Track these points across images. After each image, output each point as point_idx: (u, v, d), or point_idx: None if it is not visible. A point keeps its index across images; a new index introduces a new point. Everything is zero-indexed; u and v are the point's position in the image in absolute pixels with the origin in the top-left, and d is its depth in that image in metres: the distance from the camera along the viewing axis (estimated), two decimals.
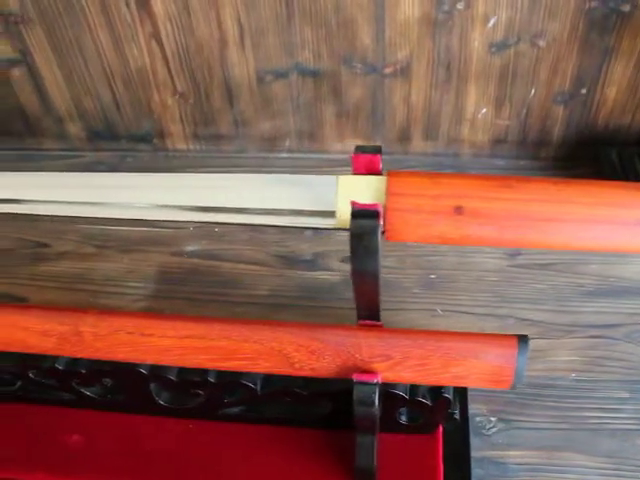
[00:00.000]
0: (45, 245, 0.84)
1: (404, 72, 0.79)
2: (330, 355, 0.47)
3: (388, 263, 0.77)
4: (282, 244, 0.80)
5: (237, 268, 0.78)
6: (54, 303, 0.77)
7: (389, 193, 0.41)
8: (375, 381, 0.47)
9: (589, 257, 0.76)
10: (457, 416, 0.55)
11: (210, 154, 0.91)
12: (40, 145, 0.94)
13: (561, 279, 0.75)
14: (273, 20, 0.77)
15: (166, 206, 0.44)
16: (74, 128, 0.92)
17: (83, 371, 0.55)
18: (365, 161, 0.42)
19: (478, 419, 0.63)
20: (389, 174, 0.42)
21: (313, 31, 0.77)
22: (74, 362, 0.55)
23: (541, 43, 0.75)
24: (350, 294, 0.74)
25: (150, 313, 0.51)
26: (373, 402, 0.47)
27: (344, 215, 0.42)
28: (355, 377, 0.47)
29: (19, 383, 0.61)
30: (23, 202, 0.50)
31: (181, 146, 0.91)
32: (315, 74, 0.81)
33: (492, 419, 0.64)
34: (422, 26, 0.75)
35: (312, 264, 0.78)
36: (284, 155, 0.90)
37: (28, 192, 0.51)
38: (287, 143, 0.89)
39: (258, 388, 0.54)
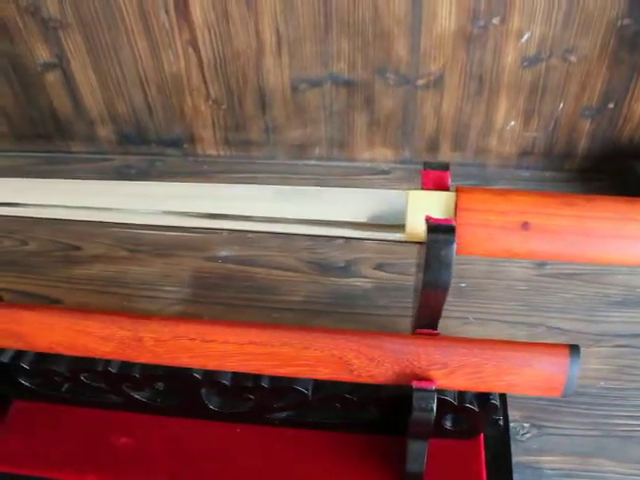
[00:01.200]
0: (77, 248, 0.85)
1: (437, 84, 0.81)
2: (389, 362, 0.49)
3: None
4: (314, 251, 0.82)
5: (271, 274, 0.79)
6: (88, 306, 0.77)
7: (459, 209, 0.43)
8: (433, 388, 0.48)
9: (615, 268, 0.78)
10: (501, 422, 0.56)
11: (239, 160, 0.93)
12: (69, 148, 0.95)
13: (588, 289, 0.77)
14: (311, 30, 0.78)
15: (249, 217, 0.45)
16: (104, 131, 0.92)
17: (136, 375, 0.56)
18: (434, 177, 0.44)
19: (512, 425, 0.65)
20: (459, 190, 0.43)
21: (349, 42, 0.79)
22: (127, 366, 0.56)
23: (572, 58, 0.77)
24: (384, 301, 0.77)
25: (212, 320, 0.52)
26: (431, 408, 0.48)
27: (414, 229, 0.44)
28: (414, 384, 0.48)
29: (67, 385, 0.62)
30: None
31: (211, 151, 0.92)
32: (349, 84, 0.82)
33: (525, 425, 0.66)
34: (457, 39, 0.77)
35: (345, 271, 0.79)
36: (313, 162, 0.91)
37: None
38: (317, 151, 0.90)
39: (309, 393, 0.55)
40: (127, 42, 0.82)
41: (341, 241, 0.82)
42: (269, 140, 0.90)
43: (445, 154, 0.88)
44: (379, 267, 0.79)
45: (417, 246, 0.79)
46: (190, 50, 0.82)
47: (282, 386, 0.55)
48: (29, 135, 0.94)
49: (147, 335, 0.51)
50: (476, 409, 0.54)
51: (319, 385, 0.55)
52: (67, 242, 0.85)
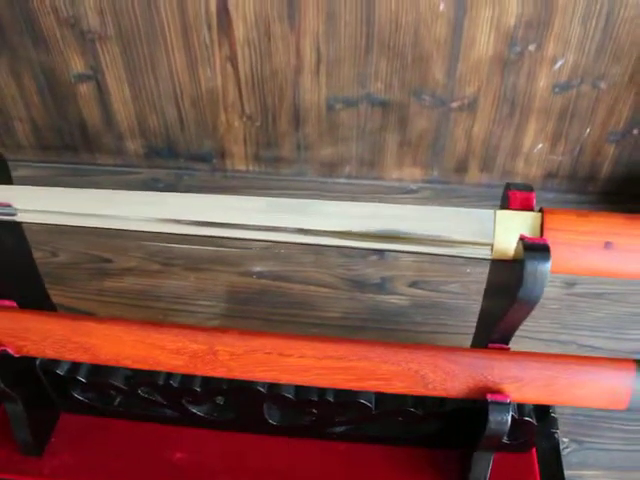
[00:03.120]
0: (108, 260, 0.84)
1: (470, 107, 0.83)
2: (464, 376, 0.50)
3: (452, 289, 0.81)
4: (348, 267, 0.83)
5: (307, 290, 0.80)
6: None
7: (546, 228, 0.44)
8: (508, 401, 0.49)
9: None
10: (557, 435, 0.58)
11: (269, 176, 0.93)
12: (96, 160, 0.95)
13: (617, 308, 0.79)
14: (351, 51, 0.80)
15: (330, 232, 0.46)
16: (133, 145, 0.92)
17: (197, 389, 0.56)
18: (521, 198, 0.45)
19: None
20: (545, 211, 0.45)
21: (388, 64, 0.80)
22: (188, 380, 0.56)
23: (602, 85, 0.80)
24: (420, 318, 0.78)
25: (289, 334, 0.52)
26: (506, 421, 0.49)
27: (502, 247, 0.45)
28: (490, 397, 0.49)
29: (119, 399, 0.62)
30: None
31: (240, 167, 0.93)
32: (384, 104, 0.84)
33: (565, 440, 0.67)
34: (493, 64, 0.79)
35: (380, 288, 0.80)
36: (342, 180, 0.93)
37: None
38: (347, 169, 0.91)
39: (373, 407, 0.55)
40: (165, 56, 0.82)
41: (375, 258, 0.84)
42: (300, 157, 0.91)
43: (473, 175, 0.90)
44: (414, 284, 0.81)
45: (466, 265, 0.81)
46: (229, 66, 0.82)
47: (346, 400, 0.55)
48: (55, 146, 0.93)
49: (222, 348, 0.51)
50: (534, 422, 0.55)
51: (382, 398, 0.55)
52: (98, 254, 0.84)
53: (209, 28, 0.80)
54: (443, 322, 0.77)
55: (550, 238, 0.44)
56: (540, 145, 0.86)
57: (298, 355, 0.50)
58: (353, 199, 0.91)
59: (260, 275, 0.82)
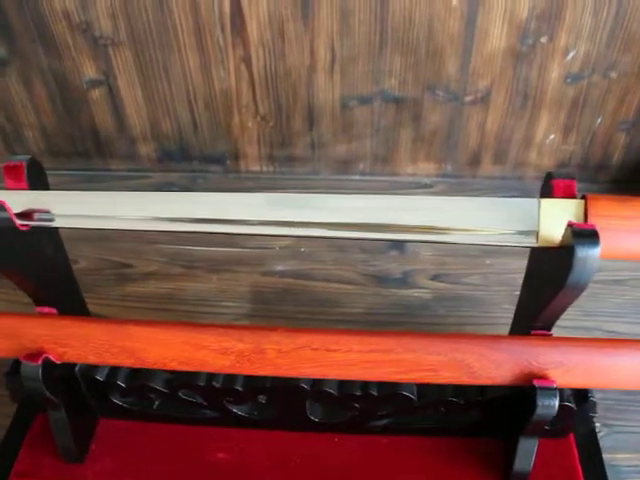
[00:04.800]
0: (129, 265, 0.84)
1: (483, 100, 0.84)
2: (509, 363, 0.50)
3: (473, 281, 0.81)
4: (369, 263, 0.83)
5: (330, 287, 0.80)
6: None
7: (591, 215, 0.45)
8: (555, 386, 0.50)
9: None
10: (595, 419, 0.59)
11: (283, 176, 0.94)
12: (108, 166, 0.94)
13: (636, 293, 0.80)
14: (365, 48, 0.80)
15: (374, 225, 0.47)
16: (146, 149, 0.92)
17: (240, 389, 0.56)
18: (564, 186, 0.46)
19: None
20: (589, 198, 0.46)
21: (402, 59, 0.81)
22: (230, 380, 0.56)
23: (613, 75, 0.81)
24: (443, 311, 0.79)
25: (335, 329, 0.52)
26: (553, 406, 0.50)
27: (548, 234, 0.46)
28: (536, 383, 0.50)
29: (158, 402, 0.61)
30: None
31: (254, 168, 0.93)
32: (398, 100, 0.85)
33: (597, 424, 0.68)
34: (506, 57, 0.80)
35: (402, 282, 0.81)
36: (356, 177, 0.93)
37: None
38: (361, 166, 0.92)
39: (415, 398, 0.56)
40: (178, 59, 0.82)
41: (395, 253, 0.84)
42: (314, 156, 0.91)
43: (486, 168, 0.91)
44: (435, 278, 0.81)
45: (485, 256, 0.81)
46: (242, 67, 0.83)
47: (389, 393, 0.56)
48: (67, 152, 0.93)
49: (269, 347, 0.51)
50: (574, 406, 0.56)
51: (424, 390, 0.56)
52: (118, 260, 0.84)
53: (222, 29, 0.80)
54: (466, 314, 0.78)
55: (595, 224, 0.45)
56: (552, 136, 0.87)
57: (345, 350, 0.51)
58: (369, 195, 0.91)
59: (282, 274, 0.82)
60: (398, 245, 0.85)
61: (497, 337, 0.51)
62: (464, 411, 0.58)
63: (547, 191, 0.48)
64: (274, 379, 0.55)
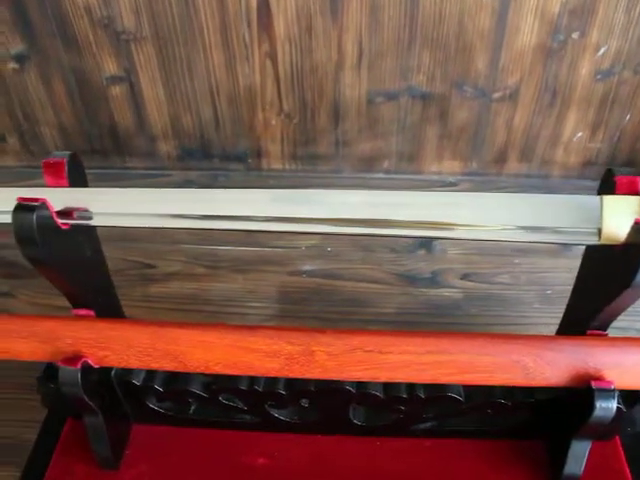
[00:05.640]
0: (151, 266, 0.82)
1: (512, 97, 0.83)
2: (565, 364, 0.49)
3: (503, 280, 0.80)
4: (398, 263, 0.82)
5: (359, 287, 0.79)
6: None
7: None
8: (613, 387, 0.49)
9: None
10: None
11: (306, 174, 0.92)
12: (126, 164, 0.92)
13: None
14: (394, 44, 0.79)
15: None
16: (166, 147, 0.90)
17: (283, 392, 0.55)
18: (627, 182, 0.45)
19: None
20: None
21: (431, 56, 0.80)
22: (273, 383, 0.55)
23: None
24: (475, 310, 0.77)
25: (388, 331, 0.51)
26: (611, 408, 0.49)
27: (612, 232, 0.44)
28: (594, 384, 0.49)
29: (194, 406, 0.60)
30: None
31: (276, 166, 0.91)
32: (425, 97, 0.83)
33: None
34: (536, 54, 0.79)
35: (432, 281, 0.80)
36: (381, 175, 0.92)
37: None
38: (385, 164, 0.90)
39: (463, 400, 0.55)
40: (202, 55, 0.81)
41: (423, 252, 0.83)
42: (338, 154, 0.90)
43: (511, 166, 0.90)
44: (465, 277, 0.80)
45: (514, 255, 0.80)
46: (268, 63, 0.81)
47: (437, 395, 0.54)
48: (84, 151, 0.91)
49: (319, 349, 0.50)
50: (623, 408, 0.55)
51: (471, 391, 0.55)
52: (140, 260, 0.82)
53: (249, 24, 0.78)
54: (498, 314, 0.77)
55: None
56: (580, 133, 0.86)
57: (399, 351, 0.49)
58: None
59: (310, 274, 0.80)
60: (425, 244, 0.83)
61: (553, 337, 0.50)
62: (511, 413, 0.57)
63: (608, 188, 0.47)
64: (318, 382, 0.54)
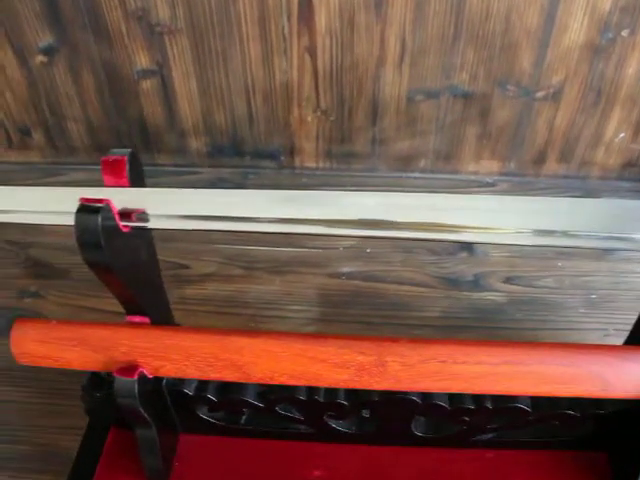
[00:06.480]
0: (185, 266, 0.79)
1: (555, 96, 0.81)
2: None
3: (547, 284, 0.78)
4: (439, 265, 0.80)
5: (401, 290, 0.77)
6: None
7: None
8: None
9: None
10: None
11: (340, 173, 0.89)
12: (154, 160, 0.89)
13: None
14: (438, 40, 0.77)
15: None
16: (196, 143, 0.87)
17: (345, 403, 0.53)
18: None
19: None
20: None
21: (475, 53, 0.78)
22: (333, 393, 0.53)
23: None
24: (520, 315, 0.75)
25: (462, 340, 0.49)
26: None
27: None
28: None
29: (246, 416, 0.57)
30: None
31: (310, 164, 0.89)
32: (467, 95, 0.81)
33: None
34: (583, 52, 0.77)
35: (475, 285, 0.78)
36: (417, 175, 0.89)
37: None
38: (422, 163, 0.88)
39: (530, 411, 0.53)
40: (239, 49, 0.78)
41: (464, 254, 0.81)
42: (374, 152, 0.87)
43: (550, 166, 0.88)
44: (508, 280, 0.78)
45: (557, 258, 0.78)
46: (307, 58, 0.78)
47: (504, 406, 0.52)
48: (111, 147, 0.86)
49: (393, 359, 0.47)
50: None
51: (537, 402, 0.53)
52: (173, 260, 0.79)
53: (289, 18, 0.75)
54: (544, 318, 0.75)
55: None
56: (622, 134, 0.84)
57: (474, 362, 0.47)
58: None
59: (350, 276, 0.78)
60: (466, 246, 0.81)
61: (632, 348, 0.48)
62: (577, 424, 0.55)
63: None
64: (382, 392, 0.52)
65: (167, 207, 0.48)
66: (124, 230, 0.47)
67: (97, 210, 0.43)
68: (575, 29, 0.75)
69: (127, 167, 0.47)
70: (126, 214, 0.47)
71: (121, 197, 0.47)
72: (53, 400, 0.67)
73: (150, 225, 0.48)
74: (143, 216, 0.48)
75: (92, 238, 0.43)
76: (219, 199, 0.49)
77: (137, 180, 0.49)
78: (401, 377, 0.48)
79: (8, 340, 0.71)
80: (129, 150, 0.48)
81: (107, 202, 0.44)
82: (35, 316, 0.74)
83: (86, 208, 0.43)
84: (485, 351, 0.48)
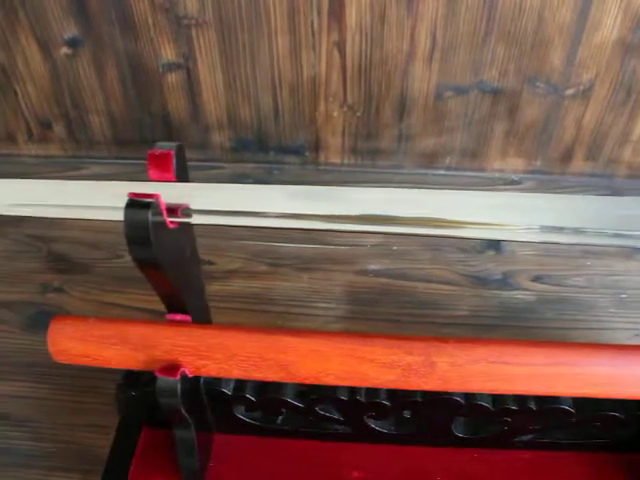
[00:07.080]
0: (210, 262, 0.78)
1: (585, 94, 0.80)
2: None
3: (577, 282, 0.78)
4: (467, 263, 0.79)
5: (430, 288, 0.76)
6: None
7: None
8: None
9: None
10: None
11: (364, 169, 0.89)
12: None
13: None
14: (468, 36, 0.76)
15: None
16: (220, 138, 0.86)
17: (387, 403, 0.52)
18: None
19: None
20: None
21: (506, 50, 0.77)
22: (374, 393, 0.52)
23: None
24: (550, 314, 0.75)
25: (516, 340, 0.48)
26: None
27: None
28: None
29: (283, 416, 0.57)
30: None
31: (335, 160, 0.88)
32: (496, 92, 0.80)
33: None
34: (615, 49, 0.76)
35: (504, 283, 0.77)
36: (442, 172, 0.89)
37: None
38: (447, 160, 0.87)
39: (574, 412, 0.52)
40: (267, 42, 0.77)
41: (492, 252, 0.80)
42: (399, 149, 0.86)
43: (577, 164, 0.87)
44: (537, 279, 0.77)
45: (586, 257, 0.78)
46: (335, 52, 0.77)
47: (547, 407, 0.52)
48: (133, 141, 0.86)
49: (441, 360, 0.47)
50: None
51: (581, 403, 0.52)
52: None
53: (319, 12, 0.74)
54: (574, 317, 0.74)
55: None
56: None
57: (524, 363, 0.46)
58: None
59: (377, 273, 0.77)
60: (494, 244, 0.81)
61: None
62: (620, 426, 0.54)
63: None
64: (424, 392, 0.51)
65: (212, 202, 0.47)
66: (170, 226, 0.46)
67: (147, 205, 0.42)
68: (608, 25, 0.75)
69: (174, 162, 0.46)
70: (172, 209, 0.46)
71: (168, 192, 0.46)
72: (77, 397, 0.66)
73: (194, 221, 0.47)
74: (187, 211, 0.47)
75: (142, 234, 0.42)
76: (267, 195, 0.48)
77: (182, 174, 0.48)
78: (449, 378, 0.47)
79: (35, 335, 0.71)
80: (176, 144, 0.47)
81: (157, 197, 0.43)
82: (59, 312, 0.73)
83: (136, 203, 0.42)
84: (536, 352, 0.47)
